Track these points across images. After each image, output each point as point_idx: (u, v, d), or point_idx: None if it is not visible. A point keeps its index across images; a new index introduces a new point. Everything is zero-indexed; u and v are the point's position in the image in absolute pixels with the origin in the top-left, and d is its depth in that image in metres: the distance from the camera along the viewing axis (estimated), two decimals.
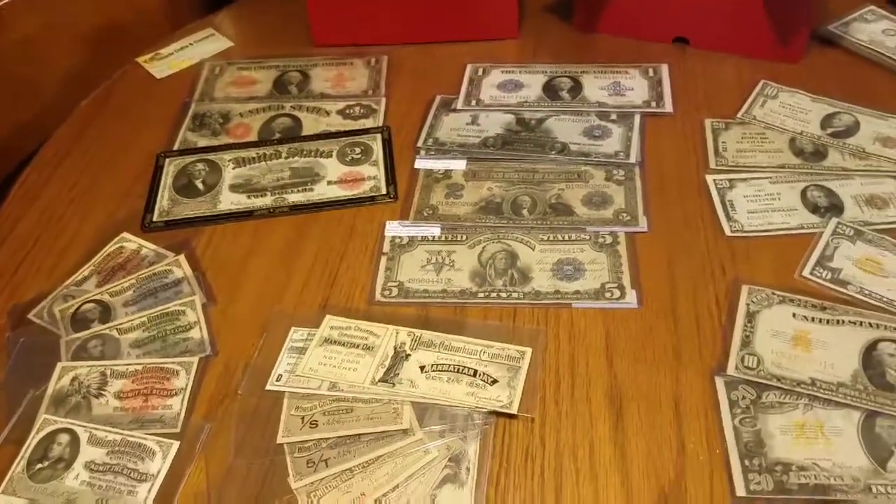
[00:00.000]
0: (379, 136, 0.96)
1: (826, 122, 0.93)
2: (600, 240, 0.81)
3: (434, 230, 0.83)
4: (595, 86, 1.01)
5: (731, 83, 1.00)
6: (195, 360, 0.72)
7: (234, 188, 0.90)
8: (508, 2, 1.07)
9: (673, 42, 1.07)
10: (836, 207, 0.82)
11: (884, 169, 0.86)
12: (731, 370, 0.67)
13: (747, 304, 0.72)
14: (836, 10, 1.11)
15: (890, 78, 1.00)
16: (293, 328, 0.74)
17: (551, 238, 0.82)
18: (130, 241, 0.84)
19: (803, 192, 0.84)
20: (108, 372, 0.71)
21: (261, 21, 1.21)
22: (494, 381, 0.68)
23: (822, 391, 0.65)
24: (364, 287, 0.78)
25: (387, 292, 0.77)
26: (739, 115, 0.94)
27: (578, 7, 1.11)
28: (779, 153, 0.89)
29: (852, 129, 0.92)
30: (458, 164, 0.91)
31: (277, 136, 0.97)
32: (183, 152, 0.96)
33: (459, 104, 1.00)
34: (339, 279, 0.79)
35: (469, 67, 1.06)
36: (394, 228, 0.84)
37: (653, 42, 1.07)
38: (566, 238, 0.82)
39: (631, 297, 0.75)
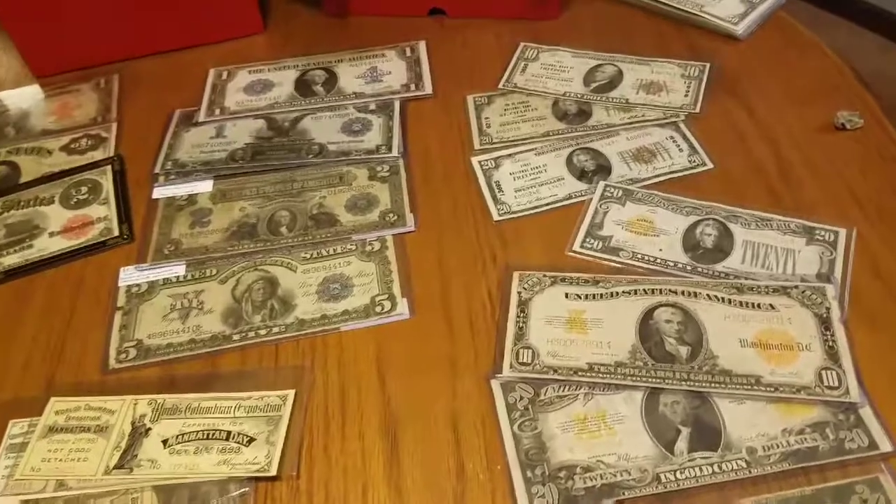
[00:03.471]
0: (109, 168, 0.83)
1: (589, 77, 0.89)
2: (368, 248, 0.74)
3: (178, 269, 0.73)
4: (351, 75, 0.93)
5: (492, 51, 0.94)
6: None
7: None
8: None
9: (429, 14, 1.01)
10: (603, 169, 0.78)
11: (648, 118, 0.83)
12: (506, 370, 0.61)
13: (518, 293, 0.67)
14: None
15: (648, 19, 0.98)
16: (11, 422, 0.62)
17: (315, 255, 0.73)
18: None
19: (569, 159, 0.79)
20: None
21: None
22: (251, 441, 0.59)
23: (600, 375, 0.60)
24: (97, 353, 0.67)
25: (123, 356, 0.66)
26: (501, 84, 0.89)
27: None
28: (542, 120, 0.84)
29: (615, 80, 0.88)
30: (204, 186, 0.81)
31: None
32: None
33: (201, 116, 0.89)
34: (67, 349, 0.68)
35: (212, 72, 0.95)
36: (129, 275, 0.73)
37: (409, 16, 1.00)
38: (331, 252, 0.73)
39: (402, 308, 0.68)
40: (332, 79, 0.92)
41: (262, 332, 0.67)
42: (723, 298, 0.64)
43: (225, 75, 0.94)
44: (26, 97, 0.96)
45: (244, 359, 0.66)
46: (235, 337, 0.67)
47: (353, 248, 0.74)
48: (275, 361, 0.65)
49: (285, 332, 0.67)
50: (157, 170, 0.83)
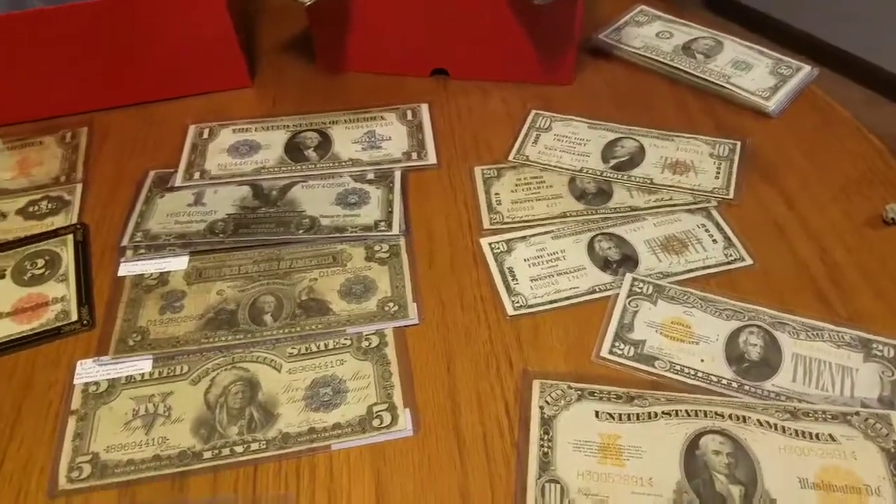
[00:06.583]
0: (70, 237, 0.73)
1: (608, 151, 0.81)
2: (364, 343, 0.64)
3: (143, 364, 0.63)
4: (346, 138, 0.84)
5: (499, 118, 0.87)
6: None
7: None
8: (229, 42, 0.88)
9: (431, 75, 0.93)
10: (629, 259, 0.70)
11: (676, 202, 0.76)
12: None
13: (541, 408, 0.58)
14: (606, 14, 1.01)
15: (670, 88, 0.91)
16: None
17: (303, 350, 0.64)
18: None
19: (590, 245, 0.71)
20: None
21: None
22: None
23: None
24: (45, 469, 0.56)
25: (76, 473, 0.56)
26: (511, 156, 0.81)
27: (319, 44, 0.93)
28: (558, 199, 0.76)
29: (637, 157, 0.81)
30: (178, 263, 0.71)
31: None
32: None
33: (178, 180, 0.79)
34: (7, 464, 0.57)
35: (192, 129, 0.86)
36: (87, 370, 0.62)
37: (410, 76, 0.92)
38: (322, 347, 0.64)
39: (404, 422, 0.58)
40: (325, 142, 0.83)
41: (239, 448, 0.57)
42: (775, 426, 0.56)
43: (206, 133, 0.85)
44: None
45: (217, 482, 0.55)
46: (207, 454, 0.57)
47: (348, 342, 0.64)
48: (252, 488, 0.55)
49: (266, 450, 0.57)
50: (124, 242, 0.73)
